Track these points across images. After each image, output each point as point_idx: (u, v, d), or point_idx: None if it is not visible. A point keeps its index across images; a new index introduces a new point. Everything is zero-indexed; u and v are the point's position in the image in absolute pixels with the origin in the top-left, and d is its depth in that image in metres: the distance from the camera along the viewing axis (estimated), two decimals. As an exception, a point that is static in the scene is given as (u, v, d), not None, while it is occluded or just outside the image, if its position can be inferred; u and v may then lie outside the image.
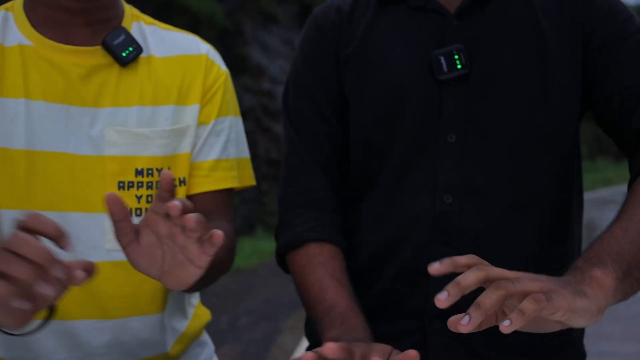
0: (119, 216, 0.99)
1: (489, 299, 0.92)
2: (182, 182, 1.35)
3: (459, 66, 1.25)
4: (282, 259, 1.37)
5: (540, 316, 0.95)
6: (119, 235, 1.01)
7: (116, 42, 1.31)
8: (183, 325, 1.43)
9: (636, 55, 1.24)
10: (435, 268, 0.97)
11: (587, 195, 1.32)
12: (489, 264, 0.98)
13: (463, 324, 0.91)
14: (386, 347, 1.09)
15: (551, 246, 1.29)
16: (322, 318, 1.22)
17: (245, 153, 1.45)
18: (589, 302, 0.97)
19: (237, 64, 9.66)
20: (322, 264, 1.28)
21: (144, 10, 1.44)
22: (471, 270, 0.96)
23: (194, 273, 1.02)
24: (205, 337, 1.54)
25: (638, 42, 1.25)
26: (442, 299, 0.93)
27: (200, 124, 1.37)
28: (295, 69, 1.41)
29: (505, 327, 0.90)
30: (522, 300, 0.92)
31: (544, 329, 1.00)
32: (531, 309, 0.90)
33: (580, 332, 1.37)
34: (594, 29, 1.26)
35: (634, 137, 1.24)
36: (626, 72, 1.24)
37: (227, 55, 1.55)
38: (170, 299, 1.39)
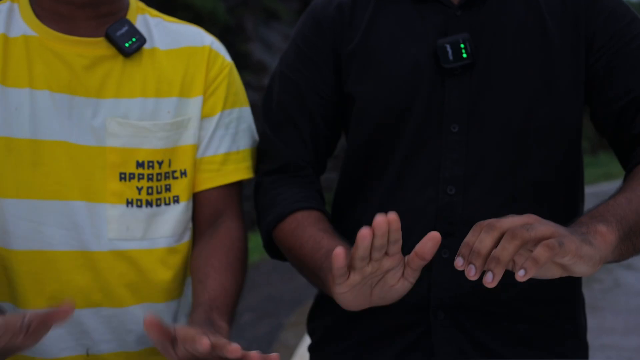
0: (160, 336, 1.06)
1: (506, 251, 0.94)
2: (183, 173, 1.35)
3: (465, 55, 1.25)
4: (270, 239, 1.36)
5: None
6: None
7: (119, 33, 1.31)
8: None
9: (638, 59, 1.25)
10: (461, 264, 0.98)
11: (589, 189, 1.31)
12: (490, 221, 0.99)
13: (488, 281, 0.94)
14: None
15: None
16: (321, 264, 1.20)
17: (256, 143, 1.45)
18: (594, 250, 0.99)
19: (238, 61, 9.63)
20: (311, 224, 1.28)
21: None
22: (484, 232, 0.97)
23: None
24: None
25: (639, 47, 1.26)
26: (472, 275, 0.96)
27: (205, 116, 1.37)
28: (285, 62, 1.40)
29: (521, 276, 0.92)
30: (535, 246, 0.94)
31: (545, 275, 1.01)
32: (545, 256, 0.92)
33: (584, 325, 1.39)
34: (596, 30, 1.27)
35: (632, 141, 1.26)
36: (629, 76, 1.25)
37: (229, 52, 1.54)
38: (178, 297, 1.40)
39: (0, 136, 1.25)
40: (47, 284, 1.26)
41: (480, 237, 0.97)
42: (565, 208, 1.33)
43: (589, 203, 1.33)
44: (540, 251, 0.93)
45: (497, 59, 1.27)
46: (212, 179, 1.37)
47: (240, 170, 1.40)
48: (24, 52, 1.28)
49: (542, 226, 0.97)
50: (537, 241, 0.95)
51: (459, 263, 0.98)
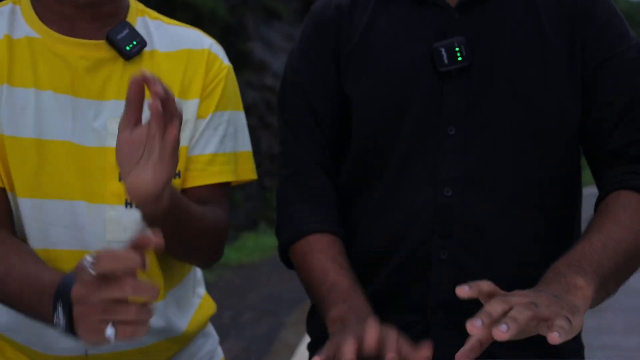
0: (135, 98, 1.08)
1: (522, 315, 0.99)
2: (177, 174, 1.35)
3: (460, 58, 1.26)
4: (285, 254, 1.38)
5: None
6: (125, 117, 1.09)
7: (120, 36, 1.32)
8: (188, 315, 1.44)
9: (623, 75, 1.27)
10: (464, 291, 1.03)
11: (588, 190, 1.32)
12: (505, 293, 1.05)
13: (502, 330, 0.97)
14: (393, 331, 1.12)
15: (552, 237, 1.31)
16: (324, 298, 1.24)
17: (246, 147, 1.45)
18: (581, 317, 1.05)
19: (239, 60, 9.65)
20: (322, 250, 1.30)
21: (146, 6, 1.45)
22: (495, 300, 1.03)
23: (149, 183, 1.10)
24: (210, 328, 1.56)
25: (626, 62, 1.27)
26: (477, 326, 1.00)
27: (199, 117, 1.38)
28: (291, 66, 1.41)
29: (555, 338, 0.98)
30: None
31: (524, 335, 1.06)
32: (567, 326, 0.99)
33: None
34: (587, 39, 1.28)
35: (606, 156, 1.28)
36: (610, 90, 1.27)
37: (230, 51, 1.54)
38: (173, 289, 1.40)
39: (7, 135, 1.26)
40: None
41: (492, 304, 1.02)
42: (563, 210, 1.34)
43: (587, 204, 1.34)
44: (564, 324, 0.99)
45: (495, 62, 1.27)
46: (196, 177, 1.37)
47: (225, 173, 1.39)
48: (27, 53, 1.29)
49: (545, 308, 1.02)
50: (543, 319, 1.01)
51: (476, 323, 1.01)
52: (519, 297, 1.03)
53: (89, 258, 1.01)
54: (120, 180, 1.29)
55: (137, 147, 1.09)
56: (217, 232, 1.36)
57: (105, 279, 0.99)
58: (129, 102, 1.08)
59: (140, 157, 1.10)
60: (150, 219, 1.19)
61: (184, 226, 1.26)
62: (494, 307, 1.00)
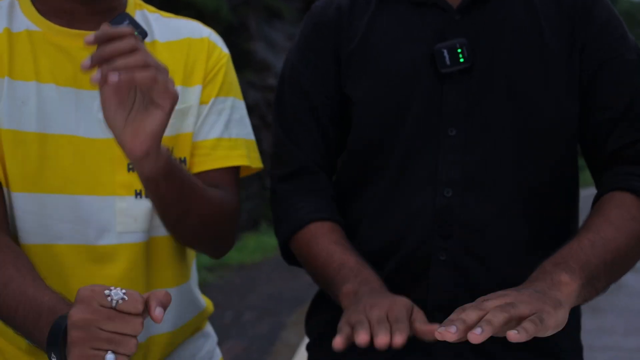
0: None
1: (497, 318, 0.99)
2: (183, 161, 1.36)
3: (462, 60, 1.26)
4: (286, 248, 1.38)
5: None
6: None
7: (120, 27, 1.32)
8: (192, 309, 1.45)
9: (624, 76, 1.27)
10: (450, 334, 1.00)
11: (585, 192, 1.32)
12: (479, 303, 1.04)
13: (477, 333, 0.97)
14: (407, 303, 1.14)
15: (551, 237, 1.31)
16: (333, 277, 1.25)
17: (251, 136, 1.45)
18: (565, 311, 1.06)
19: (242, 60, 9.65)
20: (325, 235, 1.31)
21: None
22: (471, 307, 1.02)
23: (157, 119, 1.09)
24: (209, 328, 1.56)
25: (626, 63, 1.28)
26: (452, 331, 0.99)
27: (202, 103, 1.38)
28: (291, 66, 1.41)
29: (514, 335, 0.97)
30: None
31: None
32: (532, 329, 0.99)
33: (577, 325, 1.39)
34: (587, 41, 1.28)
35: (606, 157, 1.29)
36: (609, 92, 1.27)
37: (232, 51, 1.53)
38: (183, 284, 1.41)
39: (9, 129, 1.26)
40: (49, 278, 1.26)
41: (467, 312, 1.01)
42: (563, 210, 1.34)
43: (584, 206, 1.34)
44: (528, 325, 0.99)
45: (495, 62, 1.28)
46: (201, 163, 1.37)
47: (232, 157, 1.39)
48: (28, 46, 1.29)
49: (523, 306, 1.02)
50: (520, 318, 1.01)
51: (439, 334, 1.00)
52: (495, 300, 1.03)
53: (118, 291, 0.99)
54: (128, 170, 1.30)
55: (125, 94, 1.08)
56: (226, 212, 1.35)
57: (116, 310, 0.99)
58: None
59: (132, 103, 1.09)
60: (152, 182, 1.18)
61: (188, 195, 1.25)
62: (469, 315, 1.01)
